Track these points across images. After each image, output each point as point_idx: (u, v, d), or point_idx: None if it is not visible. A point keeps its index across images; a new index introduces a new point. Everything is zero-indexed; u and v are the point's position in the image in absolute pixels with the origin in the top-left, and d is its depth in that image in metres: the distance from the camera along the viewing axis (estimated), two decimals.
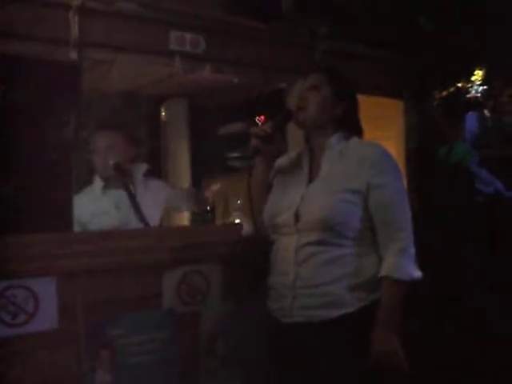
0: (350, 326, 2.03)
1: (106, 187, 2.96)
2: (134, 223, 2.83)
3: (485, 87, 5.00)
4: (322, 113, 2.20)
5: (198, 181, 3.73)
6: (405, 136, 3.25)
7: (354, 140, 2.21)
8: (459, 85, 4.86)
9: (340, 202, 2.07)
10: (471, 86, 4.97)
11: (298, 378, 2.12)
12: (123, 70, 2.35)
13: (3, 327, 1.95)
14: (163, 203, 3.08)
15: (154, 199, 2.98)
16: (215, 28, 2.48)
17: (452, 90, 4.78)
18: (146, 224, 2.76)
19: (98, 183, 2.96)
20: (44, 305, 2.02)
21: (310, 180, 2.20)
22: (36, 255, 2.02)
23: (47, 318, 2.03)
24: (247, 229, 2.33)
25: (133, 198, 2.76)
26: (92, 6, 2.15)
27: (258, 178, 2.30)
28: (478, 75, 4.89)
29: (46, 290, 2.02)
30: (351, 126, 2.24)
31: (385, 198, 2.08)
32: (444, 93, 4.69)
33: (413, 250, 2.07)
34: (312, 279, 2.08)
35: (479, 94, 5.02)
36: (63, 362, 2.06)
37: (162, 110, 3.64)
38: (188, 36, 2.38)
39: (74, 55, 2.13)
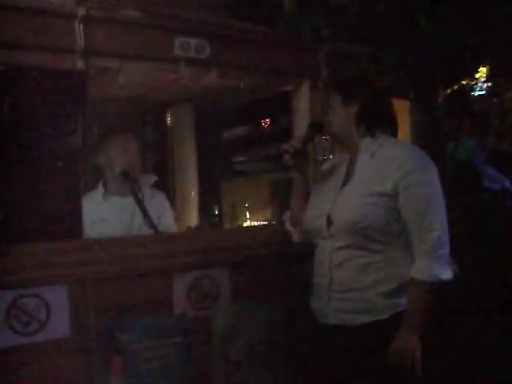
0: (382, 332, 2.04)
1: (107, 194, 2.94)
2: (136, 232, 2.81)
3: (489, 84, 5.00)
4: (342, 125, 2.25)
5: (205, 185, 3.73)
6: (411, 135, 3.25)
7: (387, 141, 2.20)
8: (463, 82, 4.86)
9: (366, 205, 2.08)
10: (475, 84, 4.97)
11: (329, 377, 2.18)
12: (130, 77, 2.36)
13: (16, 336, 1.97)
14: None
15: (157, 211, 2.94)
16: (219, 33, 2.48)
17: (456, 87, 4.78)
18: (155, 230, 2.75)
19: (100, 189, 2.95)
20: (56, 313, 2.04)
21: (344, 184, 2.23)
22: (47, 263, 2.03)
23: (59, 326, 2.05)
24: (295, 238, 2.44)
25: (141, 204, 2.75)
26: (97, 14, 2.15)
27: (294, 190, 2.41)
28: (482, 72, 4.89)
29: (58, 297, 2.04)
30: (378, 121, 2.22)
31: (412, 199, 2.06)
32: (449, 90, 4.69)
33: (444, 251, 2.03)
34: (345, 284, 2.12)
35: (483, 92, 5.02)
36: (76, 369, 2.08)
37: (168, 115, 3.65)
38: (193, 42, 2.39)
39: (80, 64, 2.13)
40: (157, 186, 3.14)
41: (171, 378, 2.26)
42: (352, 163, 2.26)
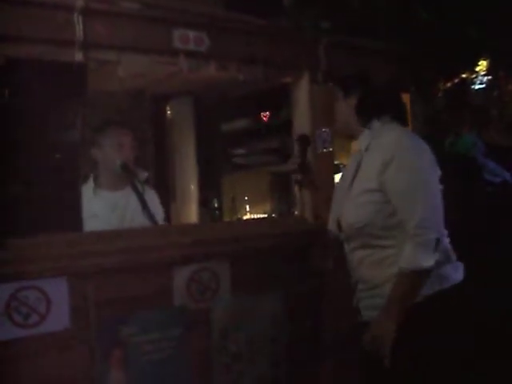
0: (404, 325, 2.02)
1: (98, 188, 2.90)
2: (127, 224, 2.78)
3: (489, 77, 4.98)
4: (345, 118, 2.29)
5: (204, 178, 3.73)
6: (412, 128, 3.24)
7: (381, 131, 2.19)
8: (464, 75, 4.85)
9: (361, 204, 2.10)
10: (476, 77, 4.95)
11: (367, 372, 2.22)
12: (129, 69, 2.35)
13: (16, 328, 1.97)
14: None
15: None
16: (218, 25, 2.47)
17: (456, 80, 4.77)
18: (154, 222, 2.75)
19: (90, 184, 2.90)
20: (56, 305, 2.04)
21: (352, 183, 2.23)
22: (47, 256, 2.03)
23: (59, 319, 2.05)
24: None
25: (141, 195, 2.75)
26: (95, 6, 2.14)
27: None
28: (482, 65, 4.87)
29: (58, 290, 2.04)
30: (374, 113, 2.22)
31: (393, 188, 2.06)
32: (449, 84, 4.68)
33: (425, 237, 1.99)
34: (366, 282, 2.15)
35: (483, 85, 5.00)
36: (76, 361, 2.08)
37: (168, 108, 3.65)
38: (192, 34, 2.38)
39: (78, 56, 2.12)
40: (157, 179, 3.13)
41: (171, 371, 2.26)
42: (361, 160, 2.25)
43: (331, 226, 2.32)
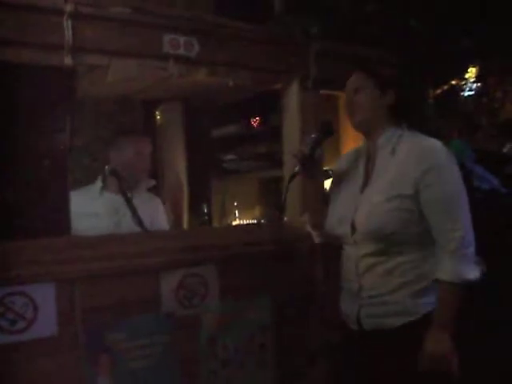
0: (414, 334, 2.01)
1: (105, 189, 2.96)
2: (124, 230, 2.80)
3: (478, 84, 5.01)
4: (373, 111, 2.16)
5: (194, 184, 3.73)
6: None
7: (408, 134, 2.13)
8: (453, 83, 4.88)
9: (389, 211, 2.04)
10: (465, 84, 4.99)
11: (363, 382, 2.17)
12: (118, 74, 2.35)
13: (2, 334, 1.95)
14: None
15: (151, 214, 2.96)
16: (209, 31, 2.47)
17: (446, 87, 4.80)
18: (143, 228, 2.75)
19: (98, 184, 2.97)
20: (43, 311, 2.02)
21: (365, 184, 2.17)
22: (34, 261, 2.02)
23: (46, 325, 2.03)
24: (317, 240, 2.46)
25: (129, 201, 2.75)
26: (85, 11, 2.14)
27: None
28: (471, 73, 4.91)
29: (45, 296, 2.03)
30: (408, 115, 2.17)
31: (435, 198, 2.01)
32: (438, 91, 4.71)
33: (469, 250, 1.98)
34: (374, 289, 2.09)
35: (473, 92, 5.04)
36: (63, 367, 2.06)
37: (157, 113, 3.64)
38: (182, 39, 2.38)
39: (68, 61, 2.12)
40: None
41: (159, 377, 2.25)
42: (371, 160, 2.19)
43: (338, 227, 2.20)
